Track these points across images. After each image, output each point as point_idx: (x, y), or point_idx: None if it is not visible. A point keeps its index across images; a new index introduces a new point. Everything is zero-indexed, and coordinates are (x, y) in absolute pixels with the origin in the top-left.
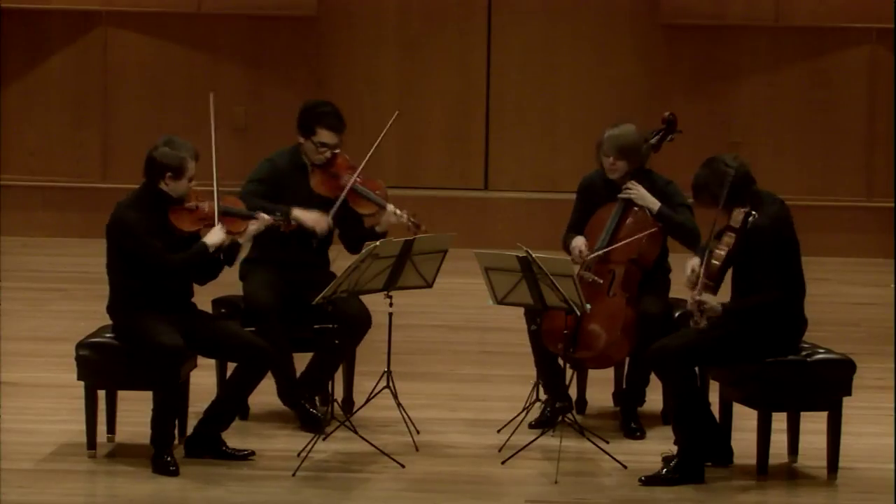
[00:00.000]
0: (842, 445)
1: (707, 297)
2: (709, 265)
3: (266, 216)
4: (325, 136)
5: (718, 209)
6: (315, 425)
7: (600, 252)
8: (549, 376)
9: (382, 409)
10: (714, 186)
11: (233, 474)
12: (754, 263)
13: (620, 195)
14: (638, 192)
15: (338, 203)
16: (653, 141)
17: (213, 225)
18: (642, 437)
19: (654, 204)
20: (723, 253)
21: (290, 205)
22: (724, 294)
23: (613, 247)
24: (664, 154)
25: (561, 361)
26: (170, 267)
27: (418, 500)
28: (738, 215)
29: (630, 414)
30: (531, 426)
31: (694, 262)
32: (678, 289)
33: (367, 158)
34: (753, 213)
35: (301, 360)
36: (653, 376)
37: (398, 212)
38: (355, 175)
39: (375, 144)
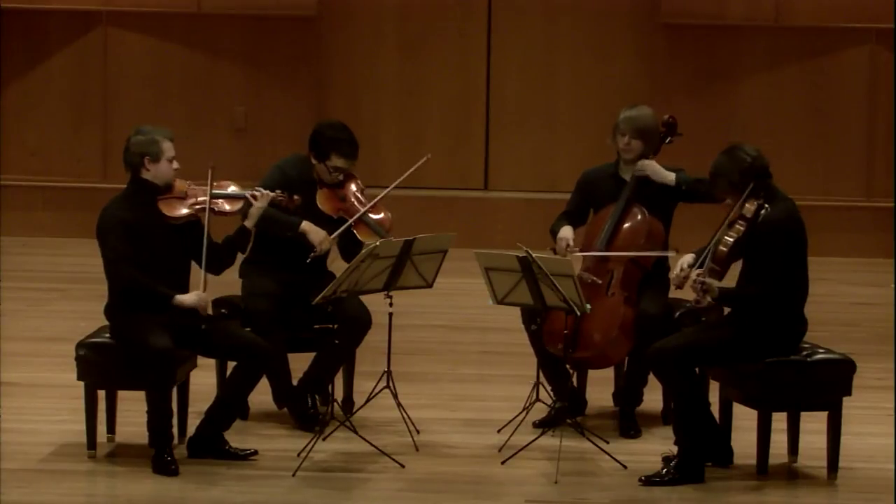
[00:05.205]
0: (842, 445)
1: (710, 280)
2: (716, 250)
3: (268, 192)
4: (339, 162)
5: (734, 196)
6: (312, 422)
7: (597, 254)
8: (552, 376)
9: (382, 409)
10: (731, 173)
11: (233, 474)
12: (758, 256)
13: (635, 172)
14: (652, 167)
15: (342, 228)
16: None
17: (204, 208)
18: (637, 436)
19: (669, 175)
20: (731, 240)
21: (292, 214)
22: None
23: (612, 254)
24: (664, 155)
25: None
26: (121, 275)
27: (418, 500)
28: (751, 206)
29: (628, 414)
30: (535, 425)
31: (685, 259)
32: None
33: (382, 195)
34: (767, 206)
35: (301, 360)
36: (652, 376)
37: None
38: (366, 208)
39: (395, 184)
